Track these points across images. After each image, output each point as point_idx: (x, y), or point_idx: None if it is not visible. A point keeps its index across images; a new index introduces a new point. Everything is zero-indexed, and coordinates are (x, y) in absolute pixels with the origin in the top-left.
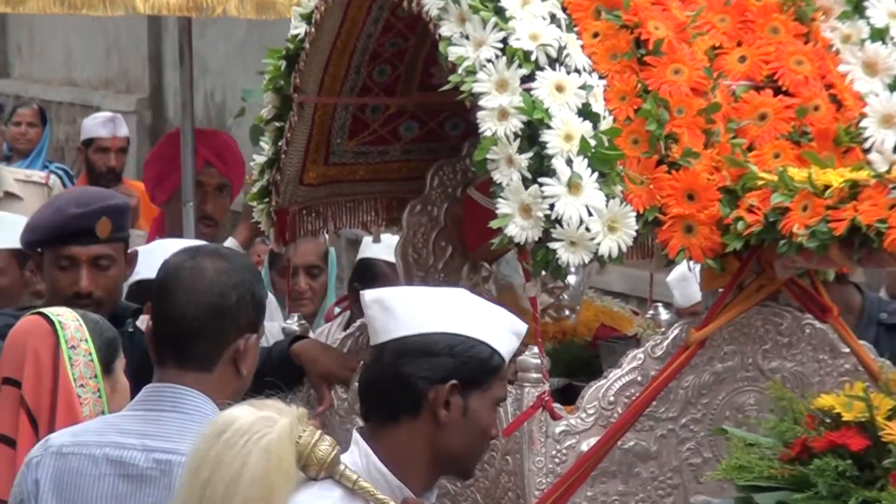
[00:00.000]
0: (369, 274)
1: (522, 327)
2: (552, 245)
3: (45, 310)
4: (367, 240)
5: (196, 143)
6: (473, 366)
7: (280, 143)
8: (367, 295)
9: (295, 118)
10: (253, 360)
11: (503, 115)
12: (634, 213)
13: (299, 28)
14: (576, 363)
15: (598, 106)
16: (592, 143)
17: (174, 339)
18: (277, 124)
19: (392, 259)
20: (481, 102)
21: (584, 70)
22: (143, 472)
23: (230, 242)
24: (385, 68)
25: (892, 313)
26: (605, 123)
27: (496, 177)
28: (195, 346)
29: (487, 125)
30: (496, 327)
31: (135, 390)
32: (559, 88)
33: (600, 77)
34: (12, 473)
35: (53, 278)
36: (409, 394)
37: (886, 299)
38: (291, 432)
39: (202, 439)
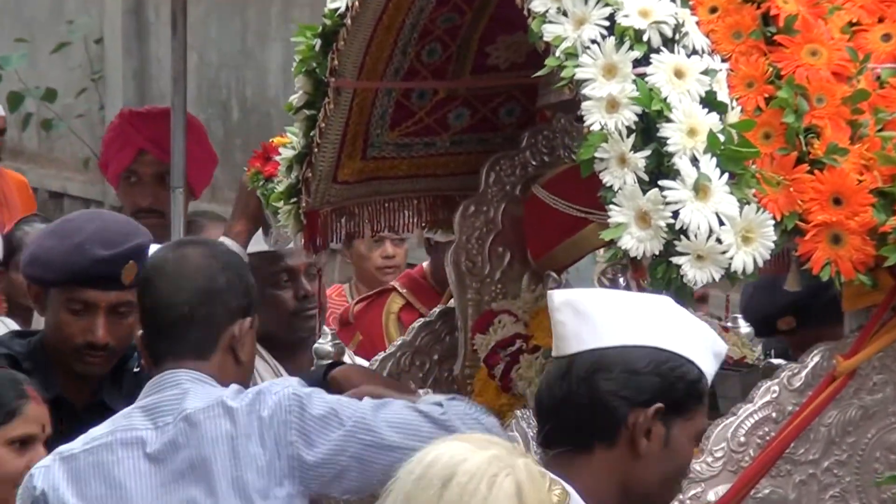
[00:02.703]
0: None
1: (723, 347)
2: (675, 259)
3: None
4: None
5: (132, 127)
6: (681, 389)
7: (312, 134)
8: (557, 296)
9: (330, 105)
10: (251, 346)
11: (613, 105)
12: (773, 221)
13: (339, 1)
14: None
15: (723, 94)
16: (721, 138)
17: (165, 329)
18: (309, 112)
19: None
20: (586, 91)
21: (704, 52)
22: (165, 442)
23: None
24: (436, 47)
25: None
26: (734, 115)
27: (606, 179)
28: (188, 334)
29: (594, 118)
30: (702, 345)
31: None
32: (679, 74)
33: (722, 60)
34: None
35: (61, 321)
36: (605, 417)
37: None
38: (538, 475)
39: (418, 488)
